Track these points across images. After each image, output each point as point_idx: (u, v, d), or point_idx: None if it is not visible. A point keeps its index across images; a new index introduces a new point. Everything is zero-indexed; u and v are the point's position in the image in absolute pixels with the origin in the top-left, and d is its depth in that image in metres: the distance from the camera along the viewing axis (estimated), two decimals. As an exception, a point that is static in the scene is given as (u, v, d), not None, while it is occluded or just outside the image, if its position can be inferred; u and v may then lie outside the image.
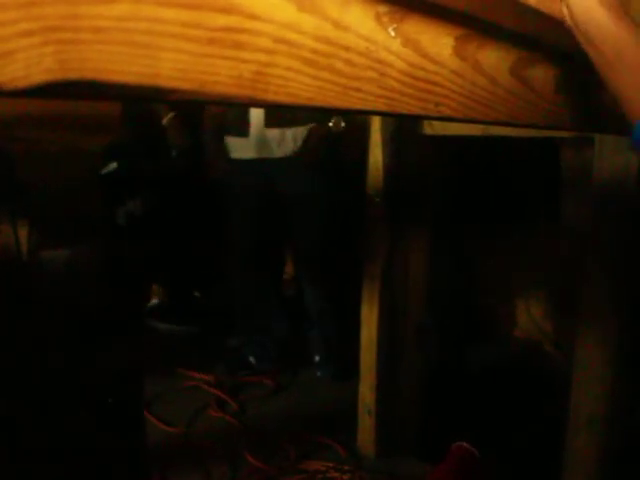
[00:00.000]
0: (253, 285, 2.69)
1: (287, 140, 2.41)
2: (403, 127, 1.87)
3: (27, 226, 2.93)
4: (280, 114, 2.34)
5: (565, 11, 0.66)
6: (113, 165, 3.08)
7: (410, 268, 1.95)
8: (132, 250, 3.02)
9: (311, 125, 2.39)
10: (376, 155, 1.89)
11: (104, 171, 3.07)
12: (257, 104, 0.45)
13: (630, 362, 1.55)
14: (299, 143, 2.41)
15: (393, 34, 0.56)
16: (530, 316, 2.83)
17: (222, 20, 0.42)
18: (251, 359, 2.68)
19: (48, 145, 2.92)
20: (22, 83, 0.33)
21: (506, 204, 2.75)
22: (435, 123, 1.81)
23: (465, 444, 1.87)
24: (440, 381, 2.37)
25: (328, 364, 2.63)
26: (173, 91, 0.40)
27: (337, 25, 0.50)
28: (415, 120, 1.77)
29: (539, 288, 2.83)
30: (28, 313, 2.48)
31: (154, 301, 3.31)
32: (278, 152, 2.44)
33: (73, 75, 0.35)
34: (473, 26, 0.66)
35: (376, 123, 1.88)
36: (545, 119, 0.88)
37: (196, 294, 3.38)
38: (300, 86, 0.47)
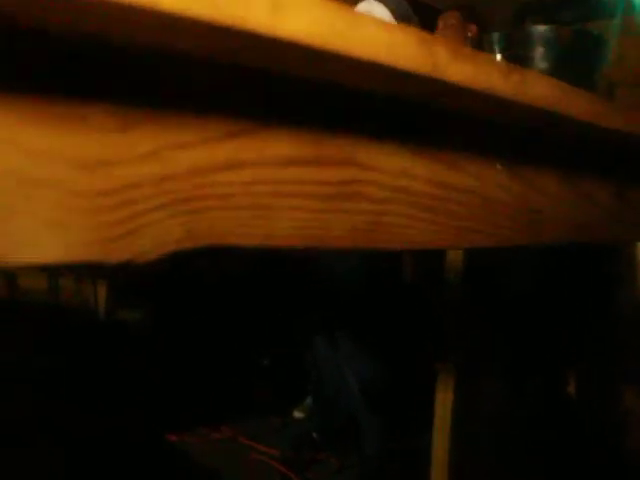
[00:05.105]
0: (326, 352, 2.60)
1: None
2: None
3: (106, 286, 3.02)
4: None
5: None
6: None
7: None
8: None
9: None
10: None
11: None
12: (369, 252, 0.44)
13: None
14: None
15: (500, 167, 0.55)
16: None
17: (339, 174, 0.41)
18: (314, 435, 2.60)
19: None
20: (152, 256, 0.33)
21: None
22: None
23: None
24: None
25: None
26: (288, 249, 0.39)
27: (451, 166, 0.49)
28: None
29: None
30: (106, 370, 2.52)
31: None
32: None
33: (200, 242, 0.34)
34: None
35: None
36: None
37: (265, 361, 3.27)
38: (415, 232, 0.46)
